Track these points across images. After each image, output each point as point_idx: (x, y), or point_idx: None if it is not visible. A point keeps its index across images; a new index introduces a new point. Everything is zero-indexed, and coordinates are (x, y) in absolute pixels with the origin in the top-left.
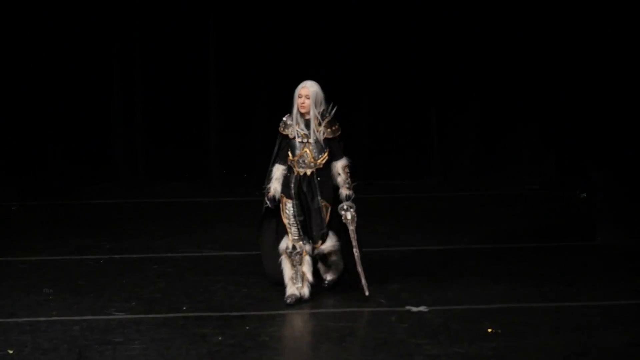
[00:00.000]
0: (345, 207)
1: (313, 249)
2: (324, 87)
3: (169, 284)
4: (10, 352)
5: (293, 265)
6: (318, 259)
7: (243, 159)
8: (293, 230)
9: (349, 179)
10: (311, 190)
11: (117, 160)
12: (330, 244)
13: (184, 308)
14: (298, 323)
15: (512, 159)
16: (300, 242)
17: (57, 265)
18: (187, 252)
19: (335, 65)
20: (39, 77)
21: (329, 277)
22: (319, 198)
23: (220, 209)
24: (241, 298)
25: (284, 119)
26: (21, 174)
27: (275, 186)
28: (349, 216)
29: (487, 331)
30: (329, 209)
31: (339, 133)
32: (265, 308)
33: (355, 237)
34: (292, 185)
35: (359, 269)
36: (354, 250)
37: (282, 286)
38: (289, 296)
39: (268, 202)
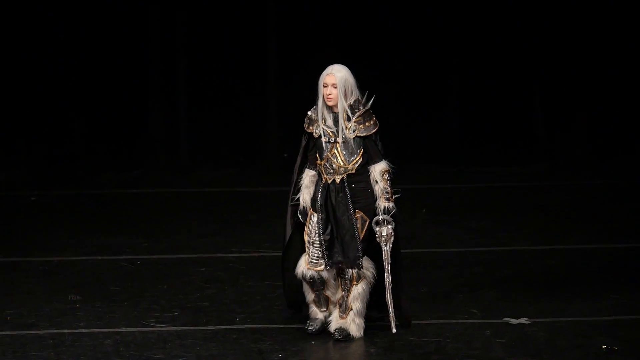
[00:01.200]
0: (380, 220)
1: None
2: (415, 65)
3: (218, 291)
4: None
5: (313, 290)
6: (342, 289)
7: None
8: (313, 252)
9: (389, 188)
10: (341, 202)
11: (155, 142)
12: (365, 264)
13: (237, 319)
14: (373, 337)
15: (631, 143)
16: (320, 267)
17: (85, 267)
18: (241, 252)
19: (426, 41)
20: (68, 50)
21: (345, 326)
22: (351, 212)
23: (280, 200)
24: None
25: (309, 113)
26: (42, 159)
27: (305, 196)
28: (384, 232)
29: (601, 348)
30: (367, 224)
31: (376, 129)
32: None
33: (389, 261)
34: (319, 196)
35: (389, 299)
36: (386, 275)
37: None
38: (309, 322)
39: (300, 216)
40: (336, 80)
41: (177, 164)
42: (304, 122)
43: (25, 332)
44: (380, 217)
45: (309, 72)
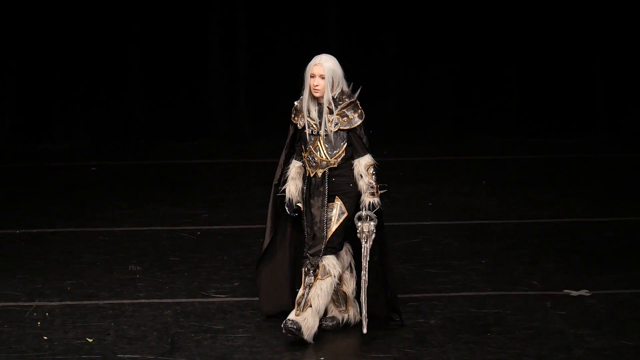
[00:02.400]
0: (363, 216)
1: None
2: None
3: None
4: (90, 340)
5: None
6: (304, 285)
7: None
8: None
9: (375, 183)
10: (319, 197)
11: (216, 112)
12: (333, 261)
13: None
14: (433, 309)
15: None
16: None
17: (145, 237)
18: None
19: (488, 17)
20: (125, 18)
21: (300, 322)
22: (326, 206)
23: None
24: None
25: (296, 103)
26: (101, 128)
27: (290, 188)
28: (365, 229)
29: None
30: (344, 217)
31: (361, 122)
32: (397, 290)
33: (368, 258)
34: (304, 189)
35: (362, 297)
36: (362, 273)
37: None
38: (328, 318)
39: (287, 209)
40: (324, 70)
41: (237, 134)
42: (291, 112)
43: (85, 302)
44: (364, 213)
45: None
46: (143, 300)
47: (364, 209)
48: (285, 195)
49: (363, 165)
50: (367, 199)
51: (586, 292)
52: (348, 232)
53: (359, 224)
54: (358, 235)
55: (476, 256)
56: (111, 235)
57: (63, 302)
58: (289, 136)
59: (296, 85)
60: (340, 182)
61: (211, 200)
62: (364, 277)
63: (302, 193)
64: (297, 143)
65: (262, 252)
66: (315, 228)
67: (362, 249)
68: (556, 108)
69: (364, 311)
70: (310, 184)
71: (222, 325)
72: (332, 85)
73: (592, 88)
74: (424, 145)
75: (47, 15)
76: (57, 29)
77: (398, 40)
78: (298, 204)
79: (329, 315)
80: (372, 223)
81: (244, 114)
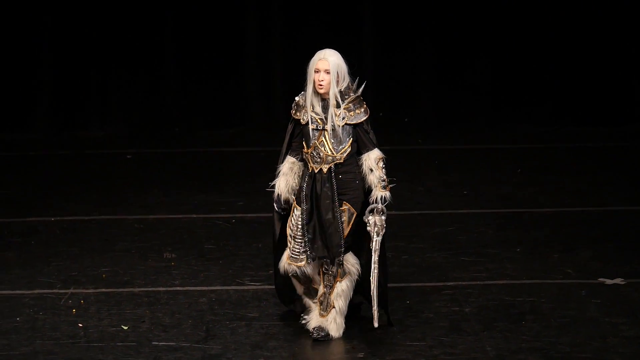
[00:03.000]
0: (373, 210)
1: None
2: (511, 25)
3: None
4: (125, 327)
5: (301, 283)
6: (324, 285)
7: (404, 100)
8: (294, 247)
9: (385, 177)
10: (327, 194)
11: (251, 98)
12: (352, 261)
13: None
14: (468, 297)
15: None
16: (301, 263)
17: (180, 225)
18: None
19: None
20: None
21: (325, 325)
22: (337, 205)
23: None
24: (400, 266)
25: (297, 98)
26: (137, 117)
27: (280, 183)
28: (378, 222)
29: None
30: (354, 217)
31: (367, 117)
32: (430, 279)
33: (378, 252)
34: (305, 186)
35: (374, 292)
36: (373, 267)
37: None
38: (305, 314)
39: (275, 205)
40: (329, 65)
41: (272, 122)
42: (290, 108)
43: (120, 289)
44: (379, 206)
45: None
46: (178, 288)
47: (375, 202)
48: (273, 191)
49: (373, 158)
50: (378, 192)
51: (621, 281)
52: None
53: (370, 217)
54: (369, 228)
55: (511, 244)
56: (146, 222)
57: (98, 290)
58: (288, 132)
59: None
60: (347, 179)
61: (246, 189)
62: (375, 271)
63: (302, 190)
64: (296, 139)
65: (274, 248)
66: (327, 225)
67: (373, 243)
68: (592, 96)
69: (375, 305)
70: (314, 181)
71: (257, 312)
72: (338, 80)
73: (628, 76)
74: (459, 133)
75: (84, 3)
76: (94, 17)
77: (434, 30)
78: (286, 201)
79: (316, 325)
80: (383, 217)
81: (279, 102)
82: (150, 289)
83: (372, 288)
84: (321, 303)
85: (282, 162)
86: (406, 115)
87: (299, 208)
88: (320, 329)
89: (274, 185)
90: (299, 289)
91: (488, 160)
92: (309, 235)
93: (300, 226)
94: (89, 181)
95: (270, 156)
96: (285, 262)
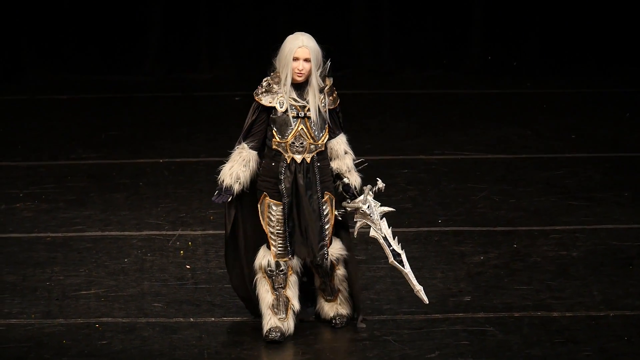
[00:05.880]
0: (371, 190)
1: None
2: None
3: (421, 192)
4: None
5: (274, 289)
6: (320, 276)
7: (513, 43)
8: (278, 243)
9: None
10: (310, 183)
11: (357, 40)
12: (338, 246)
13: (439, 221)
14: (575, 241)
15: None
16: (286, 259)
17: None
18: (443, 154)
19: None
20: None
21: (341, 310)
22: (319, 195)
23: (483, 103)
24: (508, 210)
25: (264, 83)
26: (246, 58)
27: (225, 169)
28: (385, 209)
29: None
30: (333, 202)
31: (339, 100)
32: (538, 222)
33: (391, 235)
34: (283, 178)
35: (408, 275)
36: (398, 252)
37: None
38: (270, 329)
39: (216, 194)
40: (309, 53)
41: (379, 65)
42: (255, 95)
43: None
44: (379, 184)
45: None
46: None
47: (354, 187)
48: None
49: (345, 142)
50: (357, 177)
51: None
52: None
53: (370, 199)
54: (369, 211)
55: (619, 189)
56: None
57: (206, 232)
58: (251, 118)
59: (438, 18)
60: (324, 166)
61: (354, 131)
62: (400, 250)
63: (281, 183)
64: (257, 126)
65: (225, 250)
66: (308, 217)
67: (381, 228)
68: None
69: (416, 286)
70: (295, 172)
71: (364, 255)
72: (318, 67)
73: None
74: (567, 77)
75: None
76: None
77: None
78: (228, 188)
79: (273, 325)
80: (381, 208)
81: (387, 44)
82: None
83: (405, 270)
84: (323, 290)
85: (238, 148)
86: (515, 59)
87: (277, 204)
88: (341, 316)
89: (223, 173)
90: (267, 299)
91: (596, 104)
92: (289, 229)
93: (281, 221)
94: (197, 123)
95: (378, 98)
96: (269, 257)
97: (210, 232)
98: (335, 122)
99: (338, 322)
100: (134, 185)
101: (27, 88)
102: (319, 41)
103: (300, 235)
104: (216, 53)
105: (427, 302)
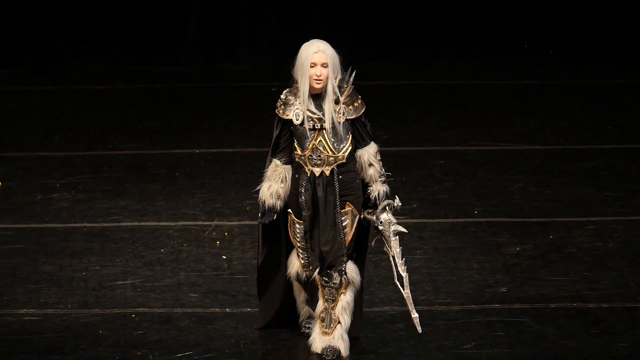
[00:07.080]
0: (387, 206)
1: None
2: None
3: (457, 183)
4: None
5: (307, 289)
6: (324, 299)
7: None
8: (305, 256)
9: (384, 170)
10: (329, 197)
11: (393, 31)
12: (352, 268)
13: (475, 212)
14: (611, 232)
15: None
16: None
17: None
18: (479, 144)
19: None
20: None
21: (334, 343)
22: (338, 209)
23: (520, 93)
24: (544, 201)
25: (282, 96)
26: (283, 49)
27: (263, 188)
28: (390, 220)
29: None
30: (357, 220)
31: (364, 109)
32: (574, 214)
33: (400, 254)
34: (303, 191)
35: (408, 297)
36: (400, 268)
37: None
38: (306, 323)
39: (260, 215)
40: (327, 58)
41: (416, 55)
42: (276, 108)
43: None
44: (396, 202)
45: None
46: None
47: (378, 198)
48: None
49: (372, 153)
50: (380, 187)
51: None
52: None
53: (384, 215)
54: (381, 228)
55: None
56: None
57: (242, 222)
58: (276, 132)
59: (475, 8)
60: (348, 180)
61: (389, 122)
62: (404, 273)
63: (301, 196)
64: (283, 140)
65: (258, 263)
66: (329, 231)
67: (391, 245)
68: None
69: (414, 312)
70: (314, 185)
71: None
72: (335, 74)
73: None
74: (604, 68)
75: None
76: None
77: None
78: (271, 208)
79: (326, 346)
80: (392, 220)
81: (423, 34)
82: None
83: (405, 294)
84: (323, 320)
85: (267, 166)
86: (552, 48)
87: (299, 222)
88: (332, 349)
89: (260, 199)
90: (301, 296)
91: (633, 96)
92: (311, 241)
93: (305, 235)
94: (234, 113)
95: (414, 88)
96: (298, 268)
97: (246, 222)
98: (361, 131)
99: (331, 356)
100: (170, 176)
101: (63, 78)
102: (353, 32)
103: (319, 248)
104: (253, 43)
105: (420, 332)
